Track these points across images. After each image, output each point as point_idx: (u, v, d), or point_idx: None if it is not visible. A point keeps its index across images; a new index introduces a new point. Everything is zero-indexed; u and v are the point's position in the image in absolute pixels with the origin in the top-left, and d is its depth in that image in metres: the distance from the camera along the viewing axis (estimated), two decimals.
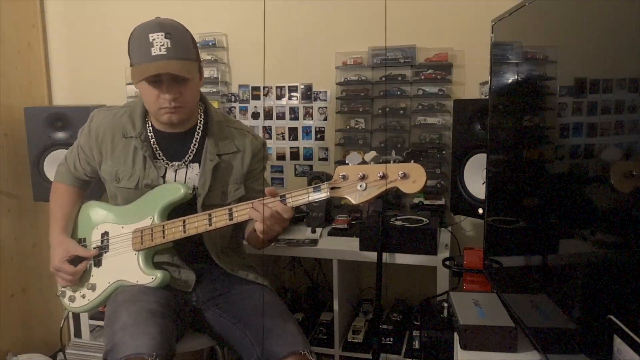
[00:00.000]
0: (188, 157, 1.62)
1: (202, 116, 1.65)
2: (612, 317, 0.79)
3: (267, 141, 2.30)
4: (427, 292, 2.20)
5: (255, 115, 2.54)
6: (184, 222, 1.51)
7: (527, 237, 1.27)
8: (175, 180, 1.61)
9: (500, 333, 1.29)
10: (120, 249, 1.60)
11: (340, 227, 2.20)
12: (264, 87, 2.50)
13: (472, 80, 2.24)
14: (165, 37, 1.45)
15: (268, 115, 2.52)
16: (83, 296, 1.64)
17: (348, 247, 2.03)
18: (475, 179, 1.92)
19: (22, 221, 2.57)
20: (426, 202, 2.26)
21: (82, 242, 1.68)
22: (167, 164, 1.62)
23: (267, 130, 2.53)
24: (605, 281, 0.85)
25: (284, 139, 2.52)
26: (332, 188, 1.35)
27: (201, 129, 1.64)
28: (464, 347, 1.31)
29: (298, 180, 2.51)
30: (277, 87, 2.49)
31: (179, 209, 1.57)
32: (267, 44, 2.46)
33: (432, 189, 2.28)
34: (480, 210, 1.85)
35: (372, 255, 1.93)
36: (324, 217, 2.23)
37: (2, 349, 2.43)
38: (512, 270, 1.43)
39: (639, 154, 0.75)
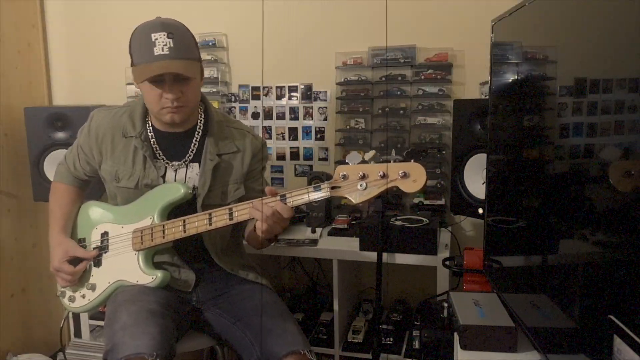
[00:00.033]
0: (188, 157, 1.62)
1: (202, 116, 1.65)
2: (612, 317, 0.79)
3: (267, 141, 2.30)
4: (427, 292, 2.21)
5: (255, 115, 2.54)
6: (184, 222, 1.51)
7: (527, 237, 1.27)
8: (175, 180, 1.61)
9: (500, 333, 1.29)
10: (120, 249, 1.60)
11: (340, 227, 2.20)
12: (263, 87, 2.50)
13: (472, 80, 2.24)
14: (168, 37, 1.45)
15: (268, 115, 2.52)
16: (83, 296, 1.64)
17: (348, 247, 2.03)
18: (475, 179, 1.92)
19: (22, 221, 2.57)
20: (426, 202, 2.26)
21: (81, 242, 1.68)
22: (167, 163, 1.62)
23: (267, 130, 2.53)
24: (605, 281, 0.85)
25: (284, 139, 2.52)
26: (332, 187, 1.35)
27: (201, 128, 1.64)
28: (464, 347, 1.31)
29: (298, 180, 2.51)
30: (277, 87, 2.49)
31: (178, 209, 1.57)
32: (267, 44, 2.46)
33: (432, 189, 2.28)
34: (480, 210, 1.85)
35: (372, 255, 1.93)
36: (324, 217, 2.23)
37: (2, 349, 2.43)
38: (512, 270, 1.43)
39: (638, 154, 0.75)
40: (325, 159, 2.48)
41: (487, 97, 1.61)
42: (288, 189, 1.41)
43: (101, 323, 2.44)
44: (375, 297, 1.95)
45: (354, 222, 2.26)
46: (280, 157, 2.54)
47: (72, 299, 1.66)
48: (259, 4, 2.40)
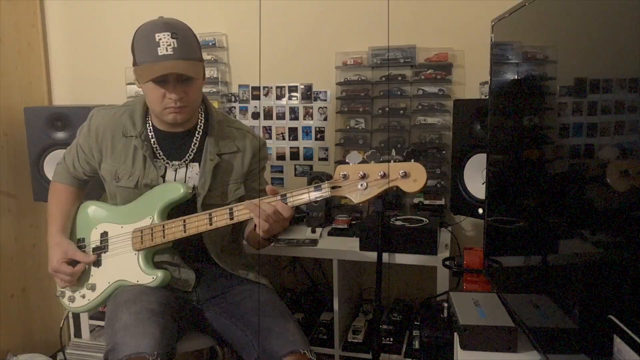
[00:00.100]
0: (188, 157, 1.62)
1: (203, 116, 1.65)
2: (612, 317, 0.79)
3: (267, 141, 2.30)
4: (427, 292, 2.21)
5: (255, 115, 2.54)
6: (184, 221, 1.51)
7: (527, 237, 1.27)
8: (175, 180, 1.61)
9: (500, 333, 1.29)
10: (119, 248, 1.60)
11: (340, 227, 2.20)
12: (263, 87, 2.50)
13: (472, 80, 2.24)
14: (172, 37, 1.45)
15: (268, 115, 2.52)
16: (83, 296, 1.64)
17: (348, 247, 2.03)
18: (475, 179, 1.92)
19: (22, 221, 2.57)
20: (426, 202, 2.26)
21: (81, 242, 1.68)
22: (167, 163, 1.62)
23: (267, 130, 2.53)
24: (605, 281, 0.85)
25: (284, 139, 2.52)
26: (333, 187, 1.35)
27: (202, 128, 1.64)
28: (464, 347, 1.31)
29: (298, 180, 2.51)
30: (277, 87, 2.49)
31: (178, 209, 1.57)
32: (267, 44, 2.47)
33: (432, 189, 2.28)
34: (480, 210, 1.85)
35: (372, 255, 1.93)
36: (324, 217, 2.23)
37: (2, 349, 2.43)
38: (512, 270, 1.43)
39: (638, 154, 0.75)
40: (325, 159, 2.48)
41: (487, 97, 1.61)
42: (288, 189, 1.41)
43: (101, 323, 2.44)
44: (375, 297, 1.95)
45: (354, 222, 2.26)
46: (280, 157, 2.53)
47: (72, 299, 1.66)
48: (258, 3, 2.41)
